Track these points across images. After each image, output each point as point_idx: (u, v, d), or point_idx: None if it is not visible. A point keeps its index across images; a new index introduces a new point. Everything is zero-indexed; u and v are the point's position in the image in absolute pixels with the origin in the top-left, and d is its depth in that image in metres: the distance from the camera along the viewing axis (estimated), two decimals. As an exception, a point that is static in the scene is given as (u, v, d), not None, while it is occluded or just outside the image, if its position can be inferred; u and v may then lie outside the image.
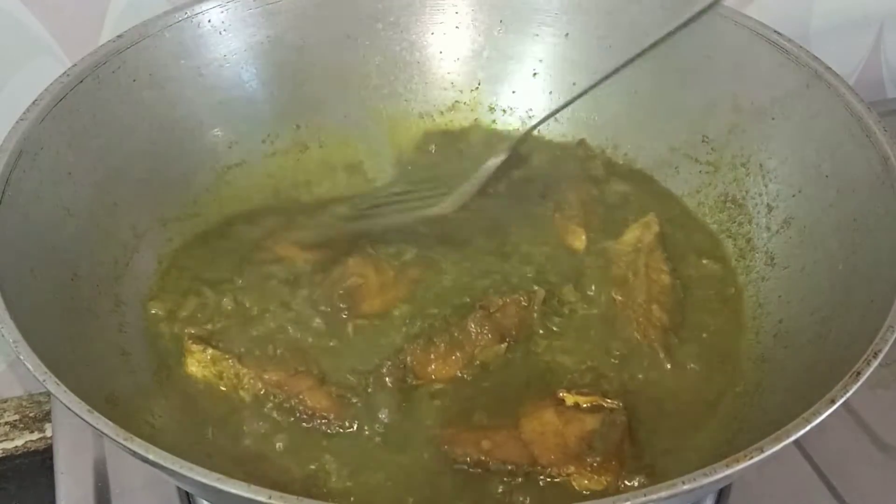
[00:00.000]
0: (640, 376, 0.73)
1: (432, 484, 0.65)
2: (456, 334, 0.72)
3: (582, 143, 0.91)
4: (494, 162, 0.85)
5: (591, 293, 0.78)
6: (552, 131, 0.93)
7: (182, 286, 0.79)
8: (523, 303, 0.75)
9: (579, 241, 0.82)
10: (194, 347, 0.72)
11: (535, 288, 0.77)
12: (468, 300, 0.76)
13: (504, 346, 0.73)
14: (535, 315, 0.75)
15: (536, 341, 0.74)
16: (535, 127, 0.88)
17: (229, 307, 0.76)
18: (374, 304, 0.76)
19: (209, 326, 0.75)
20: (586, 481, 0.65)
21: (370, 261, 0.79)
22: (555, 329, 0.75)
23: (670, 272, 0.79)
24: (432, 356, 0.72)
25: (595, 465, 0.65)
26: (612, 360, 0.73)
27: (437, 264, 0.80)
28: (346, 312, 0.75)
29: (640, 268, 0.79)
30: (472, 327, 0.73)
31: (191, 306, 0.77)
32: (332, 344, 0.74)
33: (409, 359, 0.71)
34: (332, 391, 0.70)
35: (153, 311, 0.77)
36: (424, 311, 0.76)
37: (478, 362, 0.73)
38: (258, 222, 0.85)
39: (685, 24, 0.77)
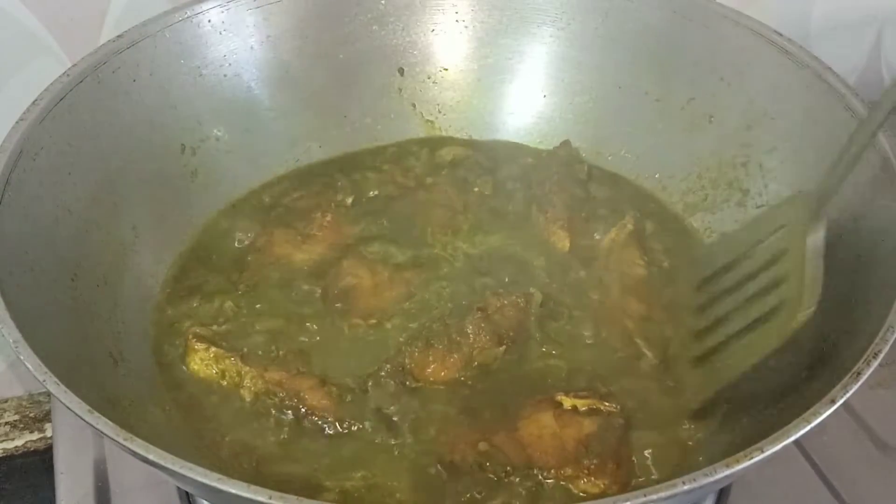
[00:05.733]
0: (634, 376, 0.73)
1: (430, 485, 0.65)
2: (454, 336, 0.72)
3: (566, 143, 0.91)
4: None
5: (578, 296, 0.78)
6: (539, 132, 0.93)
7: (184, 287, 0.79)
8: (521, 304, 0.75)
9: (563, 243, 0.82)
10: (198, 346, 0.73)
11: (532, 290, 0.77)
12: (464, 302, 0.76)
13: (502, 348, 0.73)
14: (533, 318, 0.75)
15: (532, 345, 0.74)
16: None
17: (230, 307, 0.77)
18: (370, 305, 0.76)
19: (214, 327, 0.75)
20: (583, 483, 0.65)
21: (364, 262, 0.79)
22: (550, 332, 0.75)
23: (646, 265, 0.80)
24: (430, 358, 0.72)
25: (592, 467, 0.65)
26: (605, 361, 0.74)
27: (430, 266, 0.80)
28: (343, 313, 0.76)
29: (612, 264, 0.79)
30: (470, 329, 0.72)
31: (193, 307, 0.77)
32: (331, 345, 0.74)
33: (407, 361, 0.71)
34: (333, 391, 0.70)
35: (154, 312, 0.77)
36: (421, 313, 0.76)
37: (476, 364, 0.72)
38: (258, 223, 0.85)
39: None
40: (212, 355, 0.72)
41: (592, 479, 0.65)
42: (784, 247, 0.74)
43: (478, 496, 0.64)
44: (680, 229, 0.86)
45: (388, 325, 0.75)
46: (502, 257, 0.82)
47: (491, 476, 0.65)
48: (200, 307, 0.77)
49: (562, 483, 0.65)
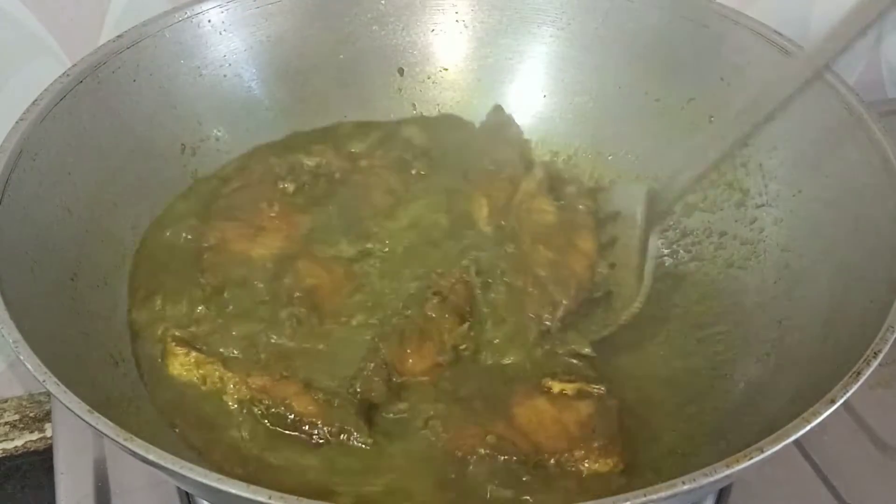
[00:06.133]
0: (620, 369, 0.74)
1: (432, 483, 0.65)
2: (421, 324, 0.73)
3: (497, 109, 0.91)
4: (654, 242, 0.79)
5: (501, 256, 0.78)
6: (539, 132, 0.92)
7: (147, 290, 0.76)
8: (466, 279, 0.76)
9: (480, 208, 0.82)
10: (178, 350, 0.71)
11: (465, 262, 0.77)
12: (413, 291, 0.76)
13: (467, 325, 0.74)
14: (477, 290, 0.76)
15: (487, 327, 0.74)
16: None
17: (201, 311, 0.74)
18: (334, 303, 0.75)
19: (192, 329, 0.73)
20: (594, 465, 0.65)
21: (318, 262, 0.78)
22: (493, 303, 0.76)
23: (556, 211, 0.80)
24: (408, 350, 0.72)
25: (602, 448, 0.66)
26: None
27: (379, 256, 0.79)
28: (310, 314, 0.74)
29: (523, 214, 0.79)
30: (433, 314, 0.73)
31: (161, 310, 0.74)
32: (307, 347, 0.72)
33: (388, 356, 0.71)
34: (320, 397, 0.68)
35: (137, 312, 0.75)
36: (379, 306, 0.75)
37: (450, 347, 0.73)
38: (200, 217, 0.82)
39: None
40: (192, 360, 0.70)
41: (603, 459, 0.65)
42: (615, 234, 0.73)
43: (504, 490, 0.64)
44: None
45: (354, 323, 0.74)
46: (441, 236, 0.81)
47: (513, 467, 0.65)
48: (168, 310, 0.74)
49: (571, 468, 0.65)
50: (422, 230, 0.81)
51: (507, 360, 0.73)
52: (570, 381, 0.70)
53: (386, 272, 0.78)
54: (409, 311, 0.74)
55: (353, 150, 0.88)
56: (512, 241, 0.79)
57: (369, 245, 0.80)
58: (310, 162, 0.86)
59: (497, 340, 0.74)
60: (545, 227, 0.79)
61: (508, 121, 0.91)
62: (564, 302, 0.75)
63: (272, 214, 0.81)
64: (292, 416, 0.68)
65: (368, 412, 0.69)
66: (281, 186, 0.84)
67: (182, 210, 0.82)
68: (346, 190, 0.85)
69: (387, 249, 0.80)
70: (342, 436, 0.67)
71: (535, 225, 0.80)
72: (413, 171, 0.87)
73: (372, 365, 0.70)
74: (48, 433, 1.04)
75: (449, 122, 0.93)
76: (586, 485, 0.65)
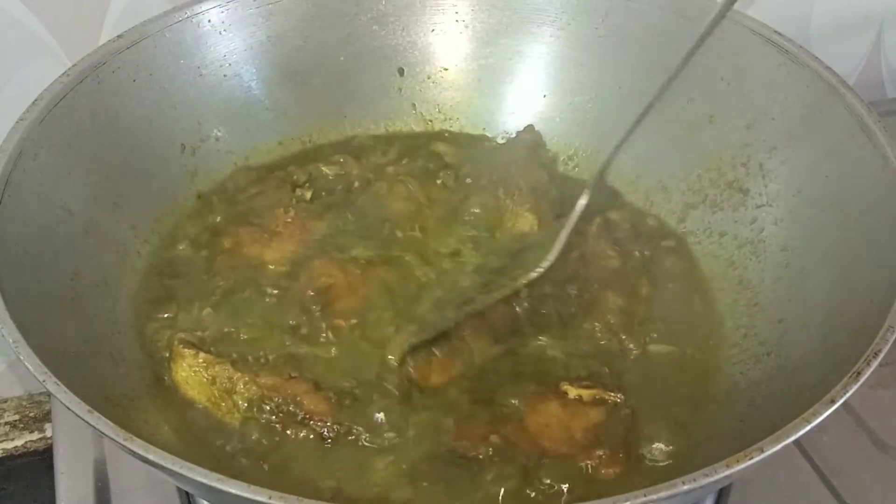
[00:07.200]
0: (627, 368, 0.74)
1: (440, 482, 0.65)
2: (455, 342, 0.72)
3: (529, 128, 0.91)
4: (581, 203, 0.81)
5: (559, 289, 0.78)
6: (539, 132, 0.92)
7: (157, 297, 0.77)
8: (510, 300, 0.75)
9: (530, 226, 0.82)
10: (186, 352, 0.70)
11: (517, 283, 0.76)
12: (448, 298, 0.75)
13: (499, 347, 0.73)
14: (521, 312, 0.75)
15: (525, 340, 0.74)
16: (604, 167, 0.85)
17: (208, 315, 0.74)
18: (347, 304, 0.75)
19: (199, 333, 0.73)
20: (592, 472, 0.65)
21: (335, 262, 0.78)
22: (539, 325, 0.76)
23: (619, 256, 0.80)
24: (433, 366, 0.71)
25: (604, 457, 0.65)
26: (595, 353, 0.74)
27: (403, 262, 0.79)
28: (322, 315, 0.74)
29: (588, 259, 0.79)
30: (468, 333, 0.73)
31: (171, 318, 0.75)
32: (317, 348, 0.72)
33: (412, 371, 0.70)
34: (331, 396, 0.68)
35: (141, 316, 0.75)
36: (404, 312, 0.75)
37: (477, 366, 0.72)
38: (220, 222, 0.83)
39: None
40: (201, 361, 0.70)
41: (604, 468, 0.65)
42: None
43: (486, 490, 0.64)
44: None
45: (371, 325, 0.74)
46: (476, 250, 0.81)
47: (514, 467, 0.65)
48: (179, 317, 0.74)
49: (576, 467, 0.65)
50: (456, 240, 0.81)
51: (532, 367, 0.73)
52: (587, 388, 0.70)
53: (416, 278, 0.78)
54: (445, 326, 0.73)
55: (376, 161, 0.89)
56: (576, 283, 0.78)
57: (393, 249, 0.80)
58: (329, 171, 0.87)
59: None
60: (611, 272, 0.79)
61: (540, 141, 0.90)
62: (637, 352, 0.75)
63: (288, 220, 0.82)
64: (302, 414, 0.68)
65: (381, 414, 0.68)
66: (298, 193, 0.84)
67: (195, 229, 0.83)
68: (365, 198, 0.85)
69: (416, 255, 0.79)
70: (351, 435, 0.67)
71: (601, 270, 0.79)
72: (438, 181, 0.87)
73: (394, 378, 0.70)
74: (48, 433, 1.04)
75: (475, 139, 0.93)
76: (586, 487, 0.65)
